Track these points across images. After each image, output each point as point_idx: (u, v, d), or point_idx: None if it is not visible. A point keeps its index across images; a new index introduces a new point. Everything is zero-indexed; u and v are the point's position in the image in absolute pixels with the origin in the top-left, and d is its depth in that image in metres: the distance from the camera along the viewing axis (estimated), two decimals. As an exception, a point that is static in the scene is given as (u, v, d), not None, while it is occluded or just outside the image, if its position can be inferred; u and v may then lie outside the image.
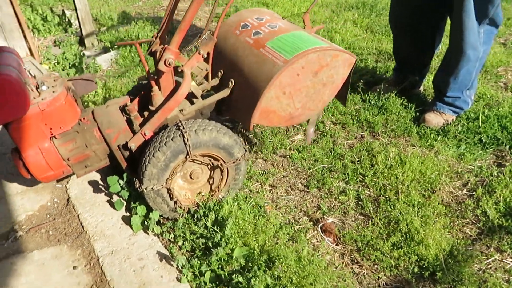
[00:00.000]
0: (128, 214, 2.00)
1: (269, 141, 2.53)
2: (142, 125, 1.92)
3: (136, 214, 1.91)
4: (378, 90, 2.88)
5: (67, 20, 4.37)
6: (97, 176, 2.24)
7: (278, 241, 1.84)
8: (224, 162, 1.92)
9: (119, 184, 1.97)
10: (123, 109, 1.99)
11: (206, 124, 1.85)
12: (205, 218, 1.87)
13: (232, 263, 1.69)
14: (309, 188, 2.21)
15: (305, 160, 2.40)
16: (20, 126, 1.68)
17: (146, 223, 1.90)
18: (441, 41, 2.80)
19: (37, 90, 1.73)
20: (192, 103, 2.04)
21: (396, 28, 2.80)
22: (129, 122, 1.96)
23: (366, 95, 2.86)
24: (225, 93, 2.04)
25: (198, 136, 1.80)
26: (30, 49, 3.74)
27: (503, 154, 2.39)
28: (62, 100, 1.73)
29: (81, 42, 4.05)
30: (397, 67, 2.99)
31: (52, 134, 1.78)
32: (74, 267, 1.73)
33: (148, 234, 1.90)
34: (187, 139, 1.77)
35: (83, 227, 1.93)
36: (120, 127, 1.89)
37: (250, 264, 1.69)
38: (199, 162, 1.94)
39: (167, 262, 1.75)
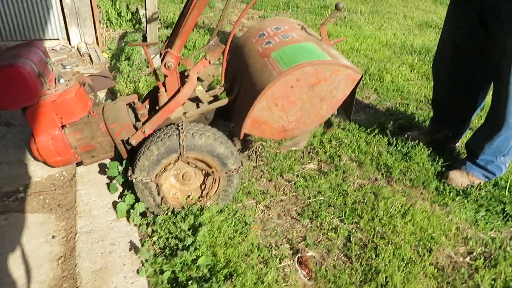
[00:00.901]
0: (119, 200, 2.09)
1: (280, 163, 2.52)
2: (145, 123, 2.01)
3: (124, 201, 1.99)
4: (407, 136, 2.76)
5: (138, 17, 4.70)
6: (107, 159, 2.37)
7: (248, 260, 1.81)
8: (217, 171, 1.95)
9: (117, 169, 2.06)
10: (131, 107, 2.11)
11: (206, 130, 1.90)
12: (184, 220, 1.90)
13: (193, 269, 1.70)
14: (302, 217, 2.16)
15: (308, 189, 2.35)
16: (34, 113, 1.87)
17: (131, 212, 1.97)
18: (484, 100, 2.62)
19: (55, 82, 1.90)
20: (198, 107, 2.10)
21: (438, 76, 2.68)
22: (137, 119, 2.07)
23: (394, 139, 2.75)
24: (226, 100, 2.07)
25: (194, 139, 1.85)
26: (97, 38, 4.10)
27: (525, 231, 2.17)
28: (72, 93, 1.89)
29: (144, 40, 4.33)
30: (434, 117, 2.85)
31: (62, 123, 1.94)
32: (53, 237, 1.84)
33: (130, 223, 1.96)
34: (182, 140, 1.83)
35: (75, 202, 2.04)
36: (124, 122, 1.99)
37: (210, 275, 1.68)
38: (194, 165, 1.99)
39: (135, 253, 1.79)
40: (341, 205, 2.23)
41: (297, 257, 1.92)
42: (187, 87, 1.98)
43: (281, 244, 2.00)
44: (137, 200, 2.00)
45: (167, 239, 1.87)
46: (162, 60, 1.93)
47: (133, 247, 1.82)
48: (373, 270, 1.84)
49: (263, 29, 2.19)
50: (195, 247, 1.78)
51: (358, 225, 2.11)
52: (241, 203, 2.21)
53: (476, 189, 2.40)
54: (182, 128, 1.85)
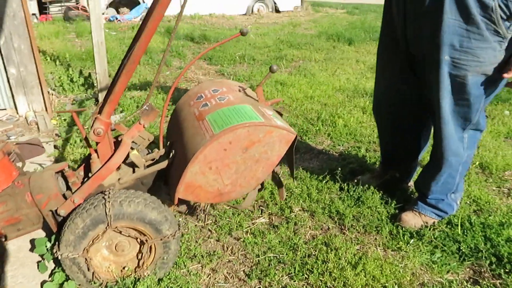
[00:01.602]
0: (49, 279, 1.93)
1: (228, 220, 2.42)
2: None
3: (52, 281, 1.83)
4: (357, 180, 2.72)
5: (91, 82, 4.69)
6: (42, 234, 2.21)
7: (187, 335, 1.66)
8: (151, 238, 1.83)
9: (45, 246, 1.92)
10: (63, 175, 2.01)
11: (135, 196, 1.80)
12: (117, 296, 1.75)
13: None
14: (249, 278, 2.03)
15: (257, 246, 2.24)
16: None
17: (60, 292, 1.81)
18: (429, 138, 2.64)
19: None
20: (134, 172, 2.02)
21: (379, 120, 2.70)
22: (69, 188, 1.96)
23: (346, 184, 2.71)
24: (163, 164, 2.00)
25: (122, 207, 1.74)
26: (45, 105, 4.02)
27: (481, 270, 2.10)
28: (-7, 164, 1.78)
29: (97, 103, 4.29)
30: (382, 160, 2.84)
31: (-16, 195, 1.81)
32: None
33: (59, 304, 1.80)
34: (109, 209, 1.72)
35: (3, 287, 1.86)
36: (51, 192, 1.88)
37: None
38: (127, 235, 1.86)
39: None
40: (291, 260, 2.12)
41: (243, 324, 1.78)
42: (119, 153, 1.91)
43: (227, 312, 1.86)
44: (67, 278, 1.84)
45: (98, 320, 1.70)
46: (91, 127, 1.86)
47: (59, 334, 1.65)
48: (323, 331, 1.71)
49: (201, 91, 2.19)
50: (128, 326, 1.62)
51: (308, 282, 2.00)
52: (185, 269, 2.08)
53: (429, 229, 2.35)
54: (108, 197, 1.75)
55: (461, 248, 2.21)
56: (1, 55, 3.70)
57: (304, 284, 1.99)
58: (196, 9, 11.20)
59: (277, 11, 12.84)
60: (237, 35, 2.06)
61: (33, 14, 9.63)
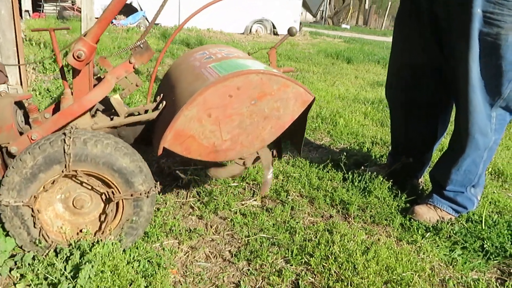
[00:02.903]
0: (-15, 238, 1.53)
1: (214, 199, 2.05)
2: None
3: (-13, 237, 1.44)
4: (364, 168, 2.40)
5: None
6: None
7: (153, 313, 1.27)
8: (119, 192, 1.47)
9: (-15, 196, 1.53)
10: (24, 108, 1.65)
11: (104, 137, 1.45)
12: (67, 259, 1.36)
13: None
14: (237, 258, 1.66)
15: (247, 226, 1.88)
16: None
17: (-6, 251, 1.41)
18: (446, 127, 2.35)
19: None
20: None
21: (393, 102, 2.40)
22: (28, 124, 1.61)
23: (350, 173, 2.38)
24: (152, 115, 1.66)
25: (85, 146, 1.39)
26: (21, 79, 3.67)
27: (511, 270, 1.76)
28: None
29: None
30: (392, 151, 2.53)
31: None
32: None
33: (-10, 266, 1.40)
34: (69, 146, 1.36)
35: None
36: (5, 122, 1.51)
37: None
38: (89, 187, 1.50)
39: (-19, 306, 1.22)
40: (287, 243, 1.76)
41: (225, 308, 1.40)
42: (99, 89, 1.57)
43: (205, 293, 1.47)
44: (6, 235, 1.45)
45: (38, 286, 1.31)
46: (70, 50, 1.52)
47: (-19, 299, 1.25)
48: (327, 321, 1.34)
49: (205, 49, 1.93)
50: (75, 295, 1.23)
51: (309, 266, 1.63)
52: (158, 242, 1.70)
53: (447, 224, 2.02)
54: (70, 132, 1.39)
55: (484, 246, 1.88)
56: (-22, 16, 3.38)
57: (303, 269, 1.62)
58: (194, 23, 11.09)
59: (275, 34, 12.82)
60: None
61: (26, 11, 9.38)
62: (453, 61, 1.91)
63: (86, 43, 1.47)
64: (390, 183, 2.26)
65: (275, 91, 1.50)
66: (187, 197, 2.09)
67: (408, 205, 2.18)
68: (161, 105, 1.65)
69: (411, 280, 1.57)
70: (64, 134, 1.39)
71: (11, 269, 1.38)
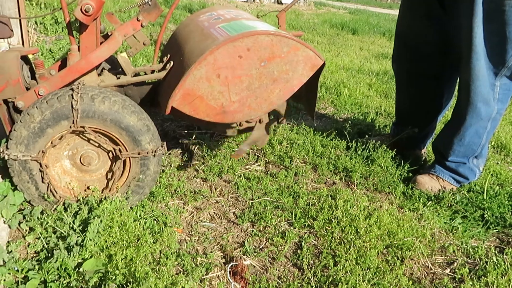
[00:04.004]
0: (-7, 192, 1.54)
1: (218, 163, 2.06)
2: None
3: (-4, 191, 1.45)
4: (367, 137, 2.40)
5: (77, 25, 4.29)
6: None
7: (159, 269, 1.30)
8: (126, 150, 1.47)
9: (-8, 151, 1.53)
10: (30, 63, 1.63)
11: (111, 94, 1.44)
12: (75, 214, 1.38)
13: (74, 276, 1.17)
14: (241, 220, 1.69)
15: (251, 190, 1.90)
16: None
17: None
18: (451, 99, 2.34)
19: None
20: (118, 79, 1.65)
21: (399, 72, 2.38)
22: (34, 79, 1.59)
23: (354, 141, 2.38)
24: (160, 75, 1.64)
25: (93, 103, 1.38)
26: (23, 39, 3.61)
27: (509, 240, 1.79)
28: None
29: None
30: (396, 121, 2.53)
31: None
32: None
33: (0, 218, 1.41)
34: (77, 102, 1.35)
35: None
36: (11, 77, 1.50)
37: (100, 285, 1.16)
38: (96, 144, 1.50)
39: (-7, 256, 1.24)
40: (291, 206, 1.78)
41: (230, 266, 1.43)
42: (106, 45, 1.55)
43: (210, 251, 1.50)
44: (15, 189, 1.46)
45: (47, 239, 1.33)
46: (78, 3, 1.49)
47: (-7, 249, 1.27)
48: (330, 280, 1.37)
49: (213, 10, 1.89)
50: (85, 247, 1.25)
51: (312, 229, 1.66)
52: (163, 202, 1.72)
53: (449, 194, 2.04)
54: (78, 87, 1.38)
55: (485, 215, 1.90)
56: (-23, -28, 3.29)
57: (306, 232, 1.65)
58: (196, -11, 10.81)
59: (279, 2, 12.55)
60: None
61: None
62: (457, 28, 1.88)
63: (94, -3, 1.43)
64: (394, 152, 2.27)
65: (285, 53, 1.48)
66: (191, 160, 2.10)
67: (410, 174, 2.20)
68: (168, 65, 1.63)
69: (412, 245, 1.60)
70: (72, 89, 1.38)
71: (20, 222, 1.40)
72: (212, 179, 1.95)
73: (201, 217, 1.70)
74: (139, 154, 1.47)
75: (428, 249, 1.64)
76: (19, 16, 3.42)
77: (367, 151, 2.30)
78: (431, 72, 2.19)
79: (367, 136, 2.48)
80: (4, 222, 1.38)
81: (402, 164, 2.24)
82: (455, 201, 1.99)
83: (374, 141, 2.36)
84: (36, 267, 1.19)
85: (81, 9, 1.44)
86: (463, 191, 2.07)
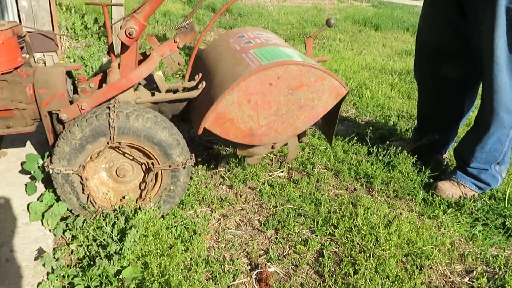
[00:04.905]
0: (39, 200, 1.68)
1: (242, 170, 2.15)
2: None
3: (41, 201, 1.58)
4: (389, 143, 2.44)
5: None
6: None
7: (190, 275, 1.40)
8: (158, 164, 1.58)
9: (37, 163, 1.67)
10: (73, 78, 1.75)
11: (144, 111, 1.54)
12: (113, 223, 1.50)
13: (115, 283, 1.28)
14: (265, 227, 1.77)
15: (275, 197, 1.98)
16: None
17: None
18: (474, 104, 2.35)
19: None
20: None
21: (421, 78, 2.41)
22: (76, 93, 1.72)
23: (375, 147, 2.43)
24: (193, 94, 1.73)
25: (128, 120, 1.49)
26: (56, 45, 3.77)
27: (530, 248, 1.82)
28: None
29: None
30: (418, 127, 2.55)
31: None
32: None
33: (45, 227, 1.54)
34: (113, 120, 1.46)
35: (-19, 203, 1.62)
36: (57, 91, 1.61)
37: (138, 291, 1.27)
38: (131, 158, 1.61)
39: (41, 263, 1.37)
40: (313, 214, 1.86)
41: (255, 273, 1.52)
42: (145, 66, 1.65)
43: (237, 258, 1.60)
44: (58, 199, 1.59)
45: (89, 247, 1.45)
46: (122, 27, 1.60)
47: (41, 256, 1.40)
48: (350, 289, 1.45)
49: (243, 32, 1.98)
50: (123, 255, 1.37)
51: (333, 237, 1.73)
52: (192, 210, 1.82)
53: (470, 201, 2.07)
54: (114, 106, 1.49)
55: (506, 223, 1.93)
56: (13, -16, 3.46)
57: (327, 240, 1.72)
58: (218, -14, 10.89)
59: (301, -4, 12.48)
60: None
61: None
62: (479, 38, 1.90)
63: (138, 22, 1.54)
64: (414, 158, 2.31)
65: (312, 82, 1.56)
66: (217, 167, 2.20)
67: (431, 180, 2.24)
68: (201, 85, 1.71)
69: (430, 253, 1.65)
70: (109, 108, 1.48)
71: (64, 231, 1.53)
72: (237, 186, 2.04)
73: (227, 224, 1.79)
74: (170, 166, 1.58)
75: (447, 257, 1.69)
76: (52, 28, 3.58)
77: (388, 157, 2.34)
78: (453, 79, 2.21)
79: (388, 142, 2.52)
80: (50, 230, 1.51)
81: (423, 170, 2.27)
82: (476, 208, 2.02)
83: (395, 146, 2.40)
84: (80, 273, 1.32)
85: (125, 32, 1.54)
86: (484, 198, 2.09)
